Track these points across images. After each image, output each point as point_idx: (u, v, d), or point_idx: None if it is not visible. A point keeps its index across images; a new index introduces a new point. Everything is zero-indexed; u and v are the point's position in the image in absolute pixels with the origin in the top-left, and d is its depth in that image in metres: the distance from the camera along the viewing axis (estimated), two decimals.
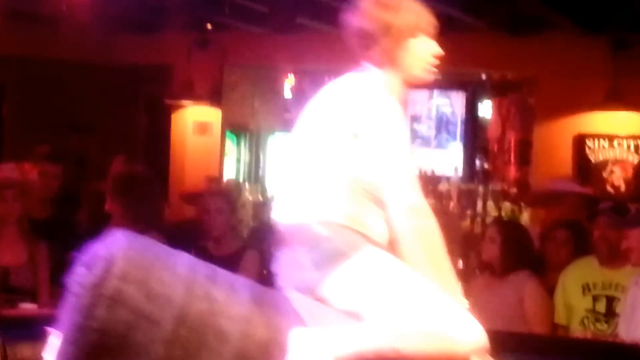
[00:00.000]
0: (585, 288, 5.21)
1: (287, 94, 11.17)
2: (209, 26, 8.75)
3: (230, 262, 5.70)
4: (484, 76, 10.03)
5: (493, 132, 10.35)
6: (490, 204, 8.62)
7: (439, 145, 11.24)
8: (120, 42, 9.29)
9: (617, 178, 7.73)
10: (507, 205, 8.66)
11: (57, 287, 5.36)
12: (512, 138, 9.95)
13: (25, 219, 5.25)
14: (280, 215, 3.08)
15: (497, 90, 10.26)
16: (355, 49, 3.18)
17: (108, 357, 2.68)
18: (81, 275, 2.74)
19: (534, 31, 7.60)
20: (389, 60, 3.09)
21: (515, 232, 5.52)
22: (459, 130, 10.94)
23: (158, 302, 2.70)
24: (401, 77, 3.11)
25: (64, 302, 2.77)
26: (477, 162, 10.48)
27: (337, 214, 2.92)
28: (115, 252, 2.75)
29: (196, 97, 9.11)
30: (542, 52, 7.73)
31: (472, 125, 10.74)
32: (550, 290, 5.34)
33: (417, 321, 2.81)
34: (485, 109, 10.70)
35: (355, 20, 3.18)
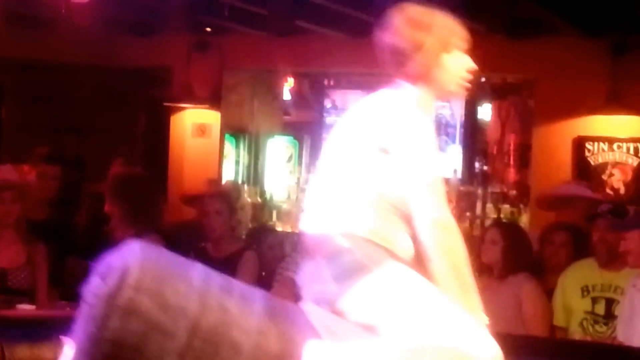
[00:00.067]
0: (585, 290, 5.20)
1: (286, 96, 11.17)
2: (208, 29, 8.75)
3: (229, 264, 5.70)
4: (483, 79, 10.03)
5: (492, 134, 10.35)
6: (489, 206, 8.62)
7: (438, 148, 11.22)
8: (119, 44, 9.28)
9: (617, 181, 7.72)
10: (506, 208, 8.66)
11: (55, 288, 5.38)
12: (511, 141, 9.95)
13: (23, 220, 5.25)
14: (306, 225, 3.09)
15: (497, 93, 10.26)
16: (388, 65, 3.16)
17: None
18: (96, 285, 2.75)
19: (534, 34, 7.59)
20: (423, 76, 3.09)
21: (517, 235, 5.53)
22: (458, 132, 10.93)
23: (172, 313, 2.71)
24: (434, 92, 3.13)
25: (78, 312, 2.78)
26: (477, 165, 10.47)
27: (361, 228, 2.95)
28: (130, 262, 2.76)
29: (195, 99, 9.11)
30: (542, 55, 7.73)
31: (472, 128, 10.73)
32: (548, 292, 5.34)
33: (432, 337, 2.84)
34: (485, 111, 10.70)
35: (388, 37, 3.15)
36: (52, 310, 4.97)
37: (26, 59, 8.88)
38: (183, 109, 9.30)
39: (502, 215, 8.52)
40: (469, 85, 3.16)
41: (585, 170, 7.80)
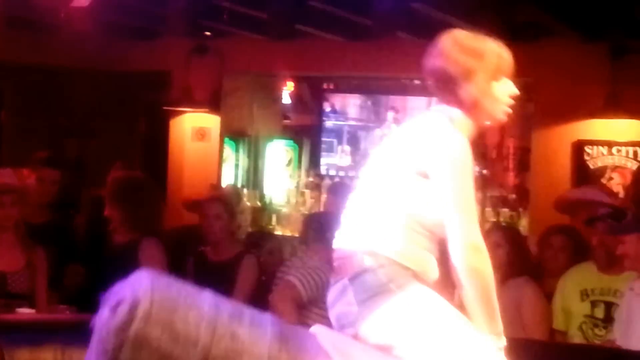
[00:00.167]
0: (584, 294, 5.21)
1: (286, 100, 11.18)
2: (207, 33, 8.76)
3: (228, 268, 5.71)
4: None
5: (491, 138, 10.35)
6: (488, 210, 8.62)
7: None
8: (119, 48, 9.29)
9: (616, 184, 7.72)
10: (505, 212, 8.66)
11: (54, 292, 5.39)
12: (510, 144, 9.95)
13: (23, 224, 5.25)
14: (337, 243, 3.14)
15: None
16: (434, 89, 3.17)
17: None
18: (106, 318, 2.76)
19: (533, 38, 7.60)
20: (470, 103, 3.10)
21: (518, 238, 5.55)
22: None
23: (183, 343, 2.74)
24: (478, 119, 3.15)
25: (90, 345, 2.80)
26: (476, 169, 10.46)
27: (387, 248, 2.99)
28: (139, 293, 2.78)
29: (195, 103, 9.12)
30: (541, 59, 7.73)
31: None
32: (547, 296, 5.34)
33: None
34: None
35: (437, 61, 3.14)
36: (52, 314, 4.97)
37: (26, 63, 8.89)
38: (183, 112, 9.31)
39: (501, 219, 8.52)
40: (510, 111, 3.17)
41: (584, 174, 7.80)
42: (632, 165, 7.74)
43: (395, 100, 10.99)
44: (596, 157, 7.83)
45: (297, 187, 10.17)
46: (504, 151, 10.05)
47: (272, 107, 10.57)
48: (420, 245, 3.02)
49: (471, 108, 3.10)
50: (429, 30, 8.62)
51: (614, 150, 7.79)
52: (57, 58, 8.95)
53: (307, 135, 11.44)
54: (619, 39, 7.40)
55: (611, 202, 6.25)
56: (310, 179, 10.25)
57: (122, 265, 5.30)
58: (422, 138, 3.07)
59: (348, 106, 11.21)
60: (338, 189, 9.39)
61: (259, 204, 9.73)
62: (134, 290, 2.79)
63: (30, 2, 6.93)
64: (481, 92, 3.09)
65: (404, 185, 3.03)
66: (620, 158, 7.78)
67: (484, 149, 10.53)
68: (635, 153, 7.74)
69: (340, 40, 8.30)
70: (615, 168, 7.79)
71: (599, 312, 5.14)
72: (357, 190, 3.19)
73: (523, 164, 9.30)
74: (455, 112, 3.10)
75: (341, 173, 10.89)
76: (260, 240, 6.85)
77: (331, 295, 3.09)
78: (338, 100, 11.28)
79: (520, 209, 8.68)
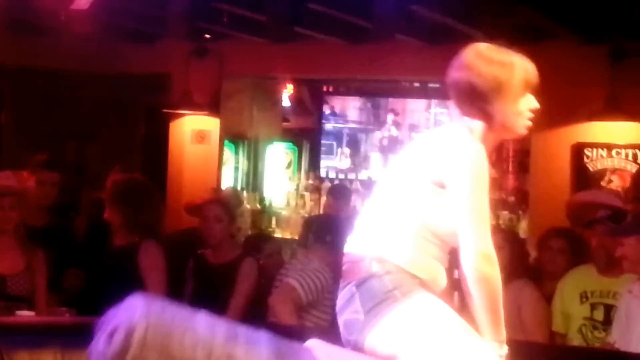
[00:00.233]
0: (583, 296, 5.20)
1: (285, 103, 11.20)
2: (207, 36, 8.77)
3: (228, 270, 5.71)
4: None
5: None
6: None
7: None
8: (118, 51, 9.30)
9: (616, 187, 7.71)
10: (505, 214, 8.67)
11: (53, 294, 5.38)
12: (510, 147, 9.96)
13: (22, 226, 5.25)
14: (347, 246, 3.14)
15: None
16: (456, 101, 3.14)
17: None
18: (102, 346, 2.78)
19: (532, 41, 7.59)
20: (494, 117, 3.09)
21: (517, 240, 5.56)
22: None
23: None
24: (500, 132, 3.14)
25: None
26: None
27: (395, 255, 3.00)
28: (134, 319, 2.80)
29: (195, 106, 9.12)
30: (541, 62, 7.70)
31: None
32: (546, 298, 5.34)
33: None
34: None
35: (464, 74, 3.10)
36: (52, 317, 4.97)
37: (26, 66, 8.90)
38: (182, 115, 9.31)
39: (500, 222, 8.53)
40: (531, 124, 3.16)
41: (584, 177, 7.80)
42: (632, 167, 7.74)
43: (395, 102, 11.00)
44: (596, 160, 7.83)
45: (297, 189, 10.19)
46: (504, 153, 10.06)
47: (272, 110, 10.58)
48: (431, 254, 3.04)
49: (494, 120, 3.09)
50: (428, 33, 8.70)
51: (613, 152, 7.80)
52: (57, 61, 8.96)
53: (307, 137, 11.46)
54: (619, 42, 7.40)
55: (622, 207, 6.24)
56: (310, 182, 10.27)
57: (122, 267, 5.32)
58: (440, 147, 3.07)
59: (348, 109, 11.23)
60: (338, 191, 9.43)
61: (258, 206, 9.74)
62: (128, 317, 2.81)
63: (31, 5, 6.94)
64: (510, 108, 3.08)
65: (420, 193, 3.04)
66: (620, 160, 7.78)
67: None
68: (634, 155, 7.74)
69: (340, 43, 8.31)
70: (614, 170, 7.80)
71: (599, 315, 5.14)
72: (373, 196, 3.20)
73: (523, 166, 9.31)
74: (476, 124, 3.10)
75: (341, 176, 10.90)
76: (260, 242, 6.85)
77: (340, 301, 3.10)
78: (338, 103, 11.29)
79: (520, 212, 8.68)
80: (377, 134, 11.01)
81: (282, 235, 9.19)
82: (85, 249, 6.13)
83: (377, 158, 11.00)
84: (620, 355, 4.52)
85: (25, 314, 4.85)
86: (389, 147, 10.89)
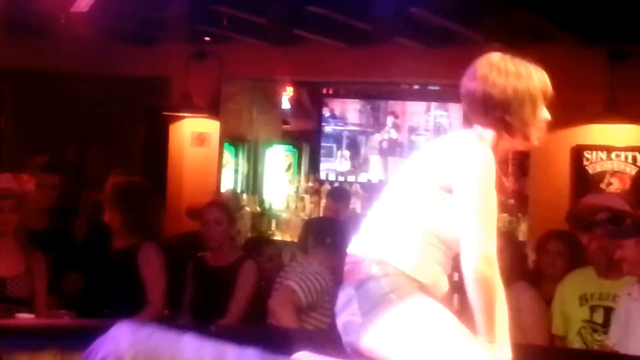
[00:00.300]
0: (583, 299, 5.20)
1: (285, 105, 11.20)
2: (207, 38, 8.77)
3: (228, 273, 5.71)
4: None
5: None
6: None
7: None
8: (118, 54, 9.30)
9: (615, 190, 7.71)
10: (504, 217, 8.66)
11: (53, 297, 5.39)
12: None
13: (22, 229, 5.25)
14: (350, 247, 3.15)
15: None
16: (470, 110, 3.15)
17: None
18: None
19: (531, 43, 7.60)
20: (509, 127, 3.10)
21: (516, 242, 5.56)
22: None
23: None
24: (513, 142, 3.16)
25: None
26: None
27: (397, 259, 3.01)
28: (121, 348, 2.81)
29: (194, 108, 9.12)
30: (540, 64, 7.70)
31: None
32: (546, 301, 5.34)
33: None
34: None
35: (479, 85, 3.11)
36: (51, 319, 4.97)
37: (26, 68, 8.91)
38: (182, 118, 9.32)
39: (500, 225, 8.51)
40: (543, 135, 3.19)
41: (583, 179, 7.80)
42: (631, 170, 7.74)
43: (395, 105, 11.00)
44: (595, 162, 7.83)
45: (297, 192, 10.19)
46: (503, 156, 10.04)
47: (272, 112, 10.58)
48: (435, 259, 3.04)
49: (507, 131, 3.10)
50: (428, 36, 8.70)
51: (613, 155, 7.80)
52: (57, 63, 8.96)
53: (307, 140, 11.46)
54: (618, 44, 7.40)
55: (630, 211, 6.22)
56: (310, 184, 10.27)
57: (122, 270, 5.32)
58: (450, 152, 3.08)
59: (347, 111, 11.23)
60: (337, 194, 9.43)
61: (258, 209, 9.74)
62: (116, 345, 2.83)
63: (31, 8, 6.95)
64: (531, 118, 3.11)
65: (427, 198, 3.05)
66: (620, 163, 7.78)
67: None
68: (634, 158, 7.74)
69: (340, 46, 8.31)
70: (614, 173, 7.80)
71: (598, 317, 5.14)
72: (380, 199, 3.20)
73: (522, 169, 9.29)
74: (487, 132, 3.11)
75: (340, 178, 10.90)
76: (259, 245, 6.85)
77: (339, 302, 3.11)
78: (337, 105, 11.29)
79: (520, 214, 8.68)
80: (377, 137, 11.01)
81: (282, 238, 9.19)
82: (85, 251, 6.13)
83: (377, 161, 11.00)
84: (619, 357, 4.53)
85: (25, 317, 4.85)
86: (389, 149, 10.89)
